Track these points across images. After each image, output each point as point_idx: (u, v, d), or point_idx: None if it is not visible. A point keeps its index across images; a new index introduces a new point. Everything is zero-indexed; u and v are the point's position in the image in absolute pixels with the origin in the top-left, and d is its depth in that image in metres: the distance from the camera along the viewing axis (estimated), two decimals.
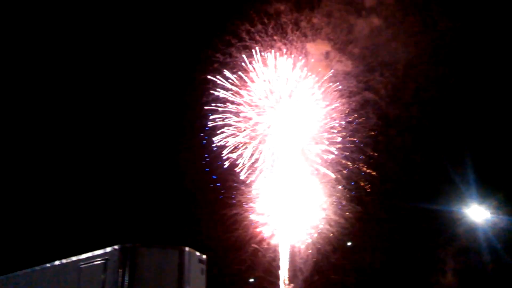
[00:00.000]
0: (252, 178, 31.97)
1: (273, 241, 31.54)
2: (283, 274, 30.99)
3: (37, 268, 15.79)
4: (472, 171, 29.61)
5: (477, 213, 27.20)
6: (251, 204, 31.91)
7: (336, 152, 31.56)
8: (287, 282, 30.94)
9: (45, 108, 34.58)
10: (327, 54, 31.93)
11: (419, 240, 31.57)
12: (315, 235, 31.30)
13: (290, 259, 31.31)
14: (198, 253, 13.69)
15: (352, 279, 31.48)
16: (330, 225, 31.22)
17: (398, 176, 31.57)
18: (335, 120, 31.84)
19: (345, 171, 31.46)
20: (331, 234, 31.14)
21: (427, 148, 32.11)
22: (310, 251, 31.37)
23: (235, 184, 32.06)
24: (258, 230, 31.59)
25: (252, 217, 31.65)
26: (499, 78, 31.21)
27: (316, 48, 31.82)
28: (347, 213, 31.12)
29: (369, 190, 31.04)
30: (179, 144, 34.30)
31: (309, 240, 31.33)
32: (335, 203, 31.50)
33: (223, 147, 31.93)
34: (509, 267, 28.26)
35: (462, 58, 30.52)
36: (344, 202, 31.37)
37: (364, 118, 31.47)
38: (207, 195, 33.02)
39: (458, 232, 29.63)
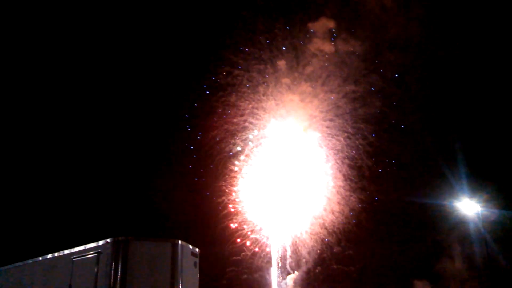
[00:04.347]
0: (249, 165, 32.02)
1: (274, 231, 31.63)
2: (281, 263, 31.06)
3: (30, 261, 15.72)
4: (463, 165, 29.85)
5: (468, 207, 27.39)
6: (249, 193, 31.94)
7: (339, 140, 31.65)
8: (290, 271, 31.04)
9: (42, 105, 34.48)
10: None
11: (417, 232, 31.69)
12: (318, 224, 31.37)
13: (293, 248, 31.34)
14: (191, 246, 13.70)
15: (353, 269, 31.56)
16: (333, 214, 31.26)
17: (391, 169, 31.75)
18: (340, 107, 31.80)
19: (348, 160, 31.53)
20: (334, 224, 31.21)
21: (418, 143, 32.25)
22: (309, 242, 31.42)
23: (230, 172, 32.09)
24: (256, 220, 31.63)
25: (250, 206, 31.65)
26: (496, 75, 31.37)
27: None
28: (351, 202, 31.16)
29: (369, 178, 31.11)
30: (170, 138, 34.29)
31: (311, 230, 31.40)
32: (338, 192, 31.54)
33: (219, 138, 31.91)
34: (499, 259, 28.59)
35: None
36: (347, 192, 31.43)
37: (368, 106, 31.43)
38: (201, 186, 33.03)
39: (450, 224, 29.89)
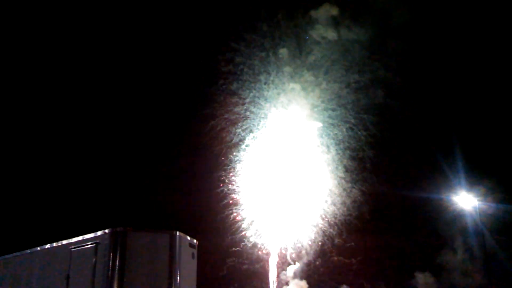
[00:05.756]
0: (250, 155, 31.85)
1: (274, 222, 31.58)
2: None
3: (28, 251, 15.78)
4: (461, 159, 29.87)
5: (466, 200, 27.47)
6: (249, 183, 31.80)
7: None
8: (291, 262, 31.07)
9: (42, 98, 34.35)
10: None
11: (418, 224, 31.63)
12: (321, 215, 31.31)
13: (294, 240, 31.30)
14: (189, 237, 13.72)
15: (354, 261, 31.53)
16: (335, 205, 31.15)
17: (386, 163, 31.68)
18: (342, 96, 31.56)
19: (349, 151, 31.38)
20: (336, 216, 31.12)
21: (415, 137, 32.16)
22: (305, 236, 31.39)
23: (230, 162, 31.95)
24: (256, 211, 31.52)
25: (250, 196, 31.53)
26: (497, 68, 31.19)
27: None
28: (352, 194, 31.02)
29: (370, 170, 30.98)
30: (169, 127, 34.12)
31: (312, 221, 31.34)
32: (340, 184, 31.37)
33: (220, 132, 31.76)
34: (496, 253, 28.73)
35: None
36: (349, 184, 31.29)
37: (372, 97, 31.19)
38: (200, 177, 32.90)
39: (448, 218, 29.95)
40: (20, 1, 34.44)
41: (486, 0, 30.67)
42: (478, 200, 26.82)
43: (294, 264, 31.51)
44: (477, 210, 26.70)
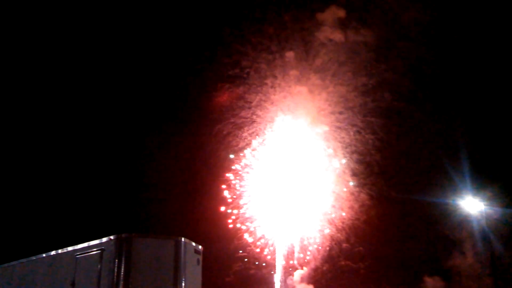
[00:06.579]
0: (256, 159, 31.74)
1: (281, 227, 31.42)
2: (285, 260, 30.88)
3: (33, 258, 15.78)
4: (467, 164, 29.73)
5: (472, 205, 27.33)
6: (255, 188, 31.65)
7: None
8: (298, 267, 30.92)
9: (45, 104, 34.44)
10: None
11: (426, 228, 31.43)
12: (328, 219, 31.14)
13: (302, 244, 31.15)
14: (194, 243, 13.71)
15: (362, 266, 31.35)
16: (342, 210, 30.96)
17: (393, 167, 31.52)
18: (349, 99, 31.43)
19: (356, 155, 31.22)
20: (343, 221, 30.94)
21: (422, 141, 32.02)
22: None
23: (236, 167, 31.85)
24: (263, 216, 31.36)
25: (256, 201, 31.38)
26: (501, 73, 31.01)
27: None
28: (360, 198, 30.85)
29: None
30: (175, 132, 34.11)
31: (319, 226, 31.19)
32: (347, 188, 31.16)
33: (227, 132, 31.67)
34: (503, 257, 28.53)
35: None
36: (356, 188, 31.09)
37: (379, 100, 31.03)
38: (206, 182, 32.81)
39: (455, 222, 29.80)
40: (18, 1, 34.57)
41: (496, 2, 30.46)
42: (484, 205, 26.69)
43: (302, 269, 31.35)
44: (484, 214, 26.56)
